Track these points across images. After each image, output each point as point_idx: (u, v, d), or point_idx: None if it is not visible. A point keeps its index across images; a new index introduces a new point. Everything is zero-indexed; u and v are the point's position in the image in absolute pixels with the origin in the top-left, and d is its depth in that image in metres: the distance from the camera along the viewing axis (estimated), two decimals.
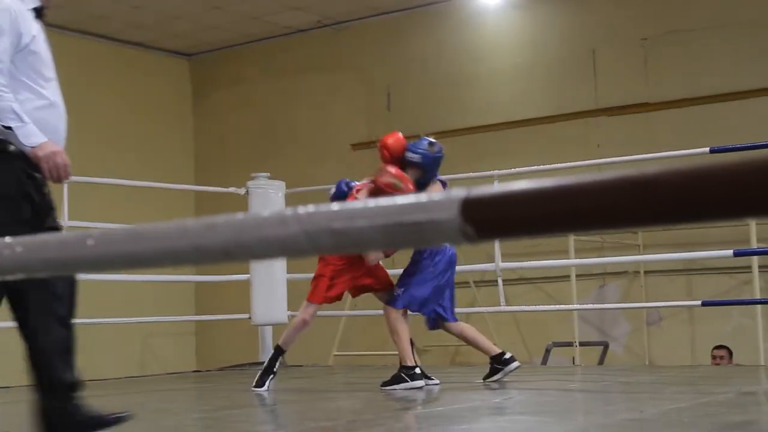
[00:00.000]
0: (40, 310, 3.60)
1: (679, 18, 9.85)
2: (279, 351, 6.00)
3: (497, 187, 0.84)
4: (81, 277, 7.66)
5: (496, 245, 7.84)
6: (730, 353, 8.71)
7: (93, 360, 9.58)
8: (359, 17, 11.28)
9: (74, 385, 3.61)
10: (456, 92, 10.89)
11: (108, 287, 8.80)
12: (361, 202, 0.92)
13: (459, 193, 0.86)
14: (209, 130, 12.30)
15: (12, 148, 3.57)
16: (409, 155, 6.21)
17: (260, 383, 5.81)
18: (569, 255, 9.20)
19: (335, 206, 0.92)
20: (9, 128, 3.56)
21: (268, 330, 8.37)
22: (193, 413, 5.47)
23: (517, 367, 5.92)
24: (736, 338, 8.85)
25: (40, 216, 3.59)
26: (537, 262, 8.61)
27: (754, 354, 8.45)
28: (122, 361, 10.07)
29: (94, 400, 6.02)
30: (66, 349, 3.62)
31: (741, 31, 9.45)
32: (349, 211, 0.91)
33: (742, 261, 8.25)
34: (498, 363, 5.91)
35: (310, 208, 0.93)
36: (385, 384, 5.76)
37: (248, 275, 8.13)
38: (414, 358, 5.91)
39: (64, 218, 7.25)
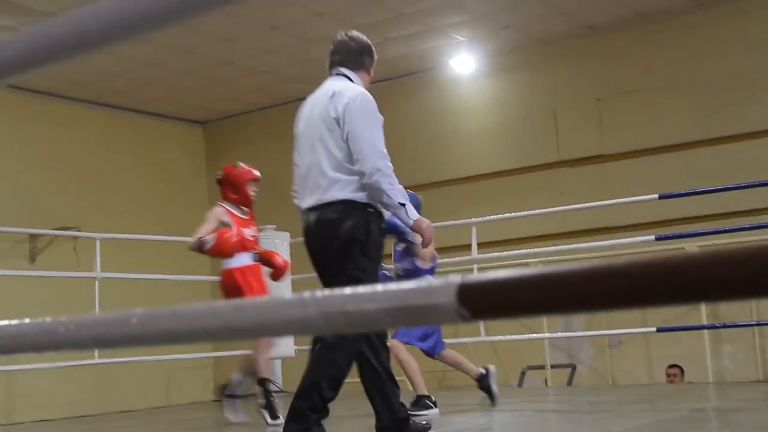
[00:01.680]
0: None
1: (628, 80, 9.94)
2: (262, 382, 5.73)
3: (490, 275, 0.85)
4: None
5: None
6: (682, 371, 8.71)
7: (122, 391, 9.54)
8: None
9: None
10: (435, 149, 10.94)
11: None
12: (370, 287, 0.92)
13: (455, 279, 0.87)
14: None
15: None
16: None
17: (273, 415, 5.66)
18: None
19: (348, 291, 0.93)
20: (403, 205, 3.96)
21: (278, 363, 8.34)
22: None
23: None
24: (686, 358, 8.85)
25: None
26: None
27: (703, 372, 8.45)
28: (149, 393, 9.99)
29: (124, 431, 5.99)
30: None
31: (684, 90, 9.53)
32: (360, 295, 0.92)
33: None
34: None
35: (327, 292, 0.94)
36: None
37: None
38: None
39: (97, 270, 7.25)
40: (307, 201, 4.10)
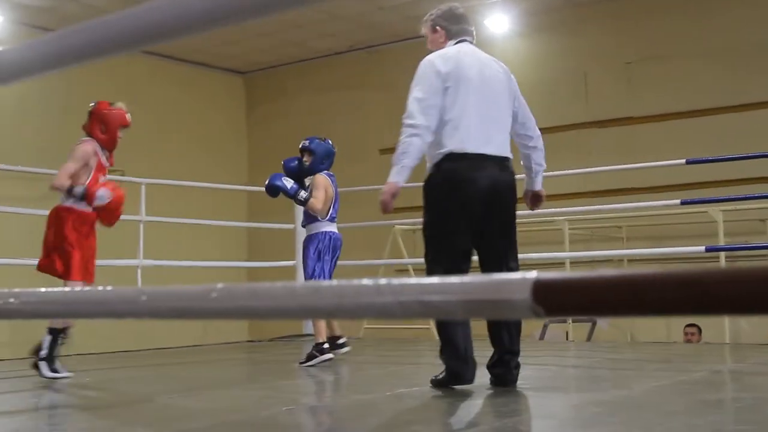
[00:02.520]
0: None
1: (659, 45, 9.80)
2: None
3: (566, 274, 0.86)
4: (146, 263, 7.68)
5: None
6: (700, 331, 8.70)
7: (160, 329, 9.67)
8: (386, 42, 11.29)
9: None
10: None
11: (170, 272, 8.84)
12: (444, 278, 0.93)
13: (530, 276, 0.88)
14: (260, 138, 12.35)
15: None
16: (304, 143, 6.16)
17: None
18: (565, 246, 9.20)
19: (424, 281, 0.94)
20: None
21: None
22: (249, 382, 5.50)
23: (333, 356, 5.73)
24: (704, 318, 8.82)
25: None
26: (539, 254, 8.60)
27: (720, 332, 8.43)
28: (186, 331, 10.11)
29: (160, 369, 6.09)
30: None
31: (713, 56, 9.40)
32: (436, 285, 0.93)
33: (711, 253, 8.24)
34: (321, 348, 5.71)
35: (404, 280, 0.95)
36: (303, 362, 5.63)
37: (294, 261, 8.16)
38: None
39: (141, 214, 7.31)
40: (490, 149, 4.21)
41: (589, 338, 9.30)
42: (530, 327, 9.79)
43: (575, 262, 9.72)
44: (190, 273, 9.70)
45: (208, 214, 9.68)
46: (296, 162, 6.20)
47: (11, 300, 1.26)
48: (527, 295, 0.87)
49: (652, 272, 0.81)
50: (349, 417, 3.55)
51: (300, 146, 6.21)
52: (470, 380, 4.21)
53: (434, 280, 0.94)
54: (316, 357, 5.63)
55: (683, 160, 7.20)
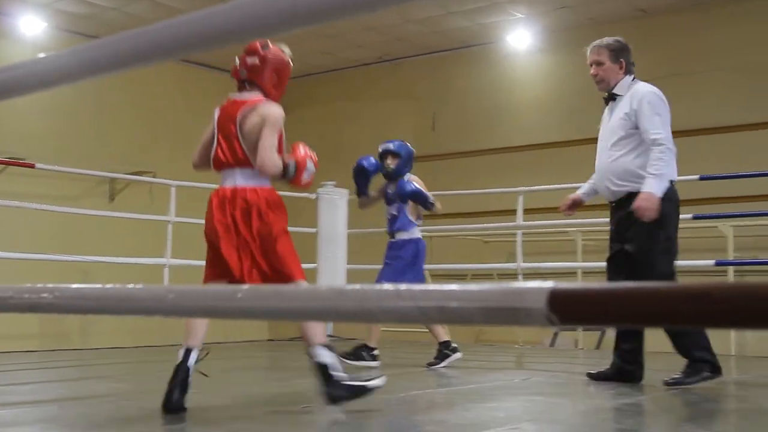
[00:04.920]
0: None
1: (677, 63, 9.75)
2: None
3: (582, 284, 0.86)
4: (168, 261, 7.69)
5: (518, 246, 7.83)
6: None
7: (184, 326, 9.70)
8: (413, 55, 11.31)
9: None
10: (489, 118, 10.87)
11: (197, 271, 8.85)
12: (463, 286, 0.93)
13: (547, 285, 0.88)
14: (290, 143, 12.39)
15: None
16: (387, 146, 5.95)
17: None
18: (577, 256, 9.16)
19: (444, 287, 0.94)
20: None
21: None
22: (269, 380, 5.51)
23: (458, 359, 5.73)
24: (710, 329, 8.74)
25: None
26: (551, 263, 8.56)
27: (725, 344, 8.35)
28: (209, 329, 10.12)
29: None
30: None
31: (730, 75, 9.34)
32: (455, 293, 0.93)
33: (721, 268, 8.18)
34: (447, 349, 5.77)
35: (424, 286, 0.95)
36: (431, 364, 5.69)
37: (315, 264, 8.18)
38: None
39: (171, 214, 7.35)
40: None
41: (598, 346, 9.25)
42: (541, 334, 9.76)
43: (587, 272, 9.68)
44: None
45: None
46: (374, 163, 5.86)
47: (45, 295, 1.27)
48: (543, 303, 0.87)
49: (664, 285, 0.81)
50: (363, 417, 3.55)
51: (381, 149, 5.96)
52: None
53: (453, 287, 0.94)
54: (448, 356, 5.65)
55: (697, 176, 7.16)
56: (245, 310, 1.10)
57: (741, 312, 0.78)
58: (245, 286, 1.09)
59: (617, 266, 4.76)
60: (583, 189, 5.07)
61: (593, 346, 9.17)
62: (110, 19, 9.71)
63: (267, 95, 3.81)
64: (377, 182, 6.09)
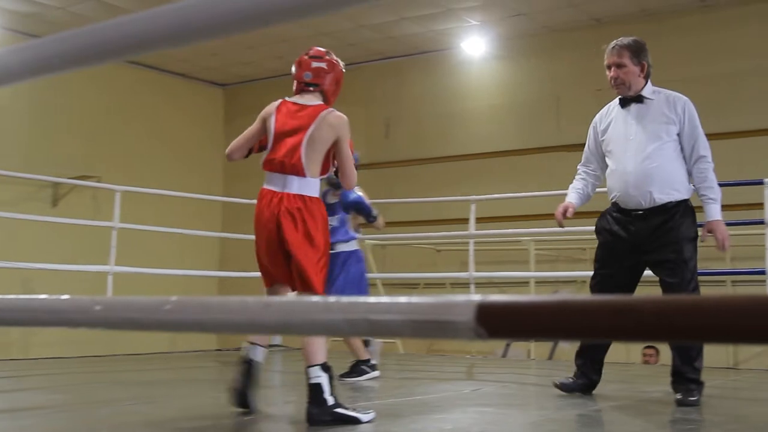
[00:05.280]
0: None
1: None
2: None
3: (510, 297, 0.86)
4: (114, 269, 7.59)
5: (471, 255, 7.87)
6: (658, 352, 8.75)
7: (131, 335, 9.59)
8: (365, 60, 11.31)
9: None
10: (444, 126, 10.93)
11: (141, 279, 8.77)
12: (392, 298, 0.93)
13: (475, 298, 0.88)
14: None
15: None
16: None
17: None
18: (530, 266, 9.24)
19: (372, 299, 0.94)
20: None
21: None
22: (214, 391, 5.46)
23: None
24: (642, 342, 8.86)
25: None
26: (504, 272, 8.62)
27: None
28: (156, 338, 10.04)
29: (129, 375, 6.04)
30: None
31: (680, 88, 9.47)
32: (383, 305, 0.93)
33: None
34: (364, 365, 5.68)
35: (352, 299, 0.95)
36: (345, 375, 5.56)
37: None
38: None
39: (115, 220, 7.26)
40: None
41: (550, 357, 9.33)
42: (493, 345, 9.81)
43: (540, 282, 9.77)
44: (161, 281, 9.64)
45: (183, 223, 9.63)
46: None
47: None
48: (471, 317, 0.87)
49: (591, 299, 0.82)
50: (306, 428, 3.53)
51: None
52: None
53: (383, 299, 0.94)
54: (365, 373, 5.58)
55: None
56: (173, 323, 1.09)
57: (671, 326, 0.78)
58: (173, 297, 1.08)
59: (634, 276, 4.67)
60: (573, 196, 4.87)
61: (546, 357, 9.24)
62: (55, 17, 9.59)
63: (327, 102, 3.90)
64: None
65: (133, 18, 1.16)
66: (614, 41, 4.72)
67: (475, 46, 10.60)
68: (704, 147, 4.56)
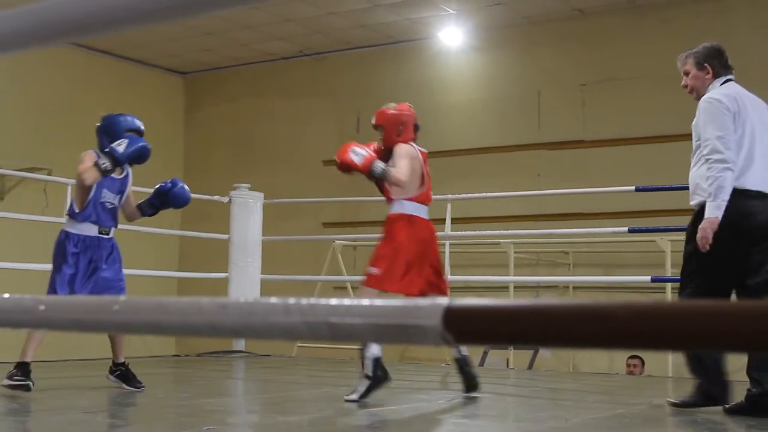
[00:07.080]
0: None
1: (614, 68, 9.96)
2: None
3: (477, 301, 0.87)
4: None
5: (446, 257, 7.89)
6: (643, 363, 8.82)
7: (85, 339, 9.50)
8: (336, 50, 11.30)
9: None
10: (419, 120, 10.93)
11: None
12: (354, 301, 0.94)
13: (442, 302, 0.88)
14: (198, 141, 12.26)
15: None
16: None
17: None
18: (509, 270, 9.27)
19: (333, 302, 0.94)
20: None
21: None
22: (172, 399, 5.43)
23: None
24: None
25: None
26: (482, 276, 8.66)
27: (663, 365, 8.55)
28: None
29: (80, 380, 5.99)
30: None
31: (667, 82, 9.56)
32: (345, 307, 0.93)
33: (657, 283, 8.36)
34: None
35: (312, 300, 0.95)
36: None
37: (226, 273, 8.11)
38: None
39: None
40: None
41: (530, 366, 9.37)
42: (470, 353, 9.83)
43: (519, 287, 9.81)
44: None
45: (141, 219, 9.54)
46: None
47: None
48: (438, 321, 0.87)
49: (564, 304, 0.82)
50: None
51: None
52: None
53: (344, 302, 0.94)
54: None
55: (633, 187, 7.32)
56: (122, 324, 1.09)
57: (640, 333, 0.79)
58: (123, 297, 1.07)
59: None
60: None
61: (525, 366, 9.29)
62: None
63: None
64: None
65: None
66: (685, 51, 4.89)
67: (452, 36, 10.63)
68: (705, 143, 4.69)
